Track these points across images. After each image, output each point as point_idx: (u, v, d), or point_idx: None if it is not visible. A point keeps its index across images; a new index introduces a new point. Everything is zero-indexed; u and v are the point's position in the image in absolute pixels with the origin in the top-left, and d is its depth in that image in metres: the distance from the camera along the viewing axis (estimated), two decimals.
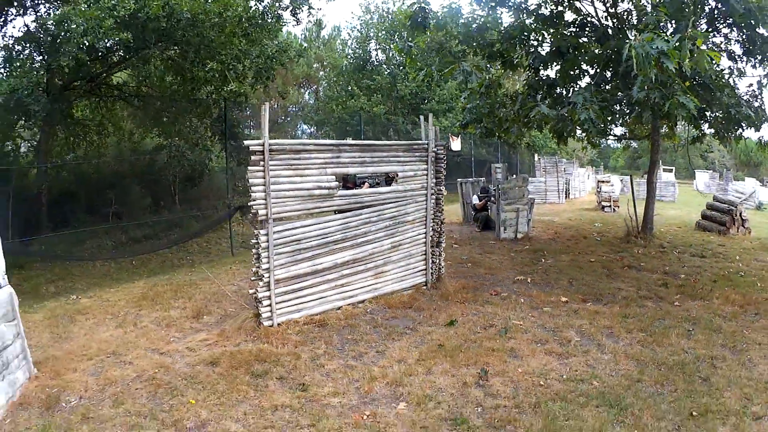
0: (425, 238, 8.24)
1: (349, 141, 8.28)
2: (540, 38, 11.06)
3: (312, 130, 28.34)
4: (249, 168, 6.27)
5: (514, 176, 17.53)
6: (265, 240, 6.36)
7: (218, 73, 12.10)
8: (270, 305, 6.48)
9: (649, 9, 9.96)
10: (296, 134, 29.29)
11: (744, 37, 10.32)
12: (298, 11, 12.79)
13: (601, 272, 9.82)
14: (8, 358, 4.87)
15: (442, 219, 8.37)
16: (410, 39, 11.95)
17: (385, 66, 27.37)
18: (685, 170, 43.43)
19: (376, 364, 5.57)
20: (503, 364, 5.53)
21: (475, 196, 15.57)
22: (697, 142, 12.67)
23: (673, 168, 34.24)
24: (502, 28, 10.86)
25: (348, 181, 8.25)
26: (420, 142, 8.12)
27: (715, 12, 10.09)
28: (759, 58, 10.45)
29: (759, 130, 11.17)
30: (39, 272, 10.66)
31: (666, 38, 6.41)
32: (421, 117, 8.32)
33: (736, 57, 10.94)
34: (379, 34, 27.87)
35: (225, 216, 13.14)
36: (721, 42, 11.02)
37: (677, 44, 6.38)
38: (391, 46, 26.78)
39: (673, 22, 9.31)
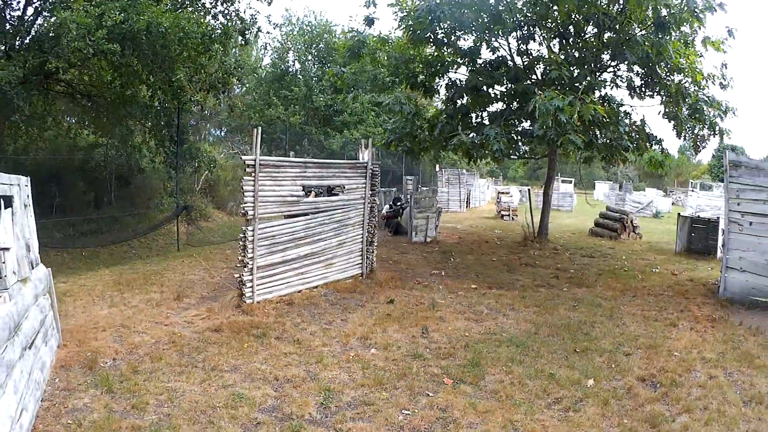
0: (362, 237, 10.98)
1: (312, 159, 10.92)
2: (456, 69, 14.09)
3: (220, 133, 29.96)
4: (244, 178, 8.60)
5: (425, 187, 20.47)
6: (251, 235, 8.67)
7: (179, 83, 13.86)
8: (252, 287, 8.79)
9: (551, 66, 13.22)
10: (205, 138, 30.79)
11: (643, 73, 14.00)
12: (246, 33, 15.29)
13: (501, 268, 12.88)
14: (47, 326, 6.13)
15: (374, 223, 11.15)
16: (343, 65, 14.59)
17: (300, 77, 29.80)
18: (587, 181, 48.89)
19: (344, 327, 8.00)
20: (436, 325, 8.20)
21: (386, 205, 18.31)
22: (587, 162, 16.13)
23: (573, 179, 39.09)
24: (426, 59, 13.75)
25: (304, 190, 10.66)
26: (361, 161, 10.96)
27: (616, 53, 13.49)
28: (657, 89, 14.26)
29: (641, 156, 14.66)
30: None
31: (562, 97, 9.60)
32: (362, 140, 11.37)
33: (636, 88, 14.64)
34: (298, 46, 30.37)
35: (174, 214, 15.30)
36: (624, 75, 14.56)
37: (569, 102, 9.54)
38: (308, 59, 29.18)
39: (575, 70, 12.60)
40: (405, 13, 13.89)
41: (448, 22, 13.39)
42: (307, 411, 5.36)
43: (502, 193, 26.54)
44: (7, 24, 13.48)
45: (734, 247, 10.05)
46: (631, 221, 18.94)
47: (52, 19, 11.77)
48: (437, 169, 30.66)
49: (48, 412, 5.13)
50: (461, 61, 14.76)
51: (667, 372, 6.45)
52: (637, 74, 14.57)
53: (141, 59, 12.71)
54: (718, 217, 16.22)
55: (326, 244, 10.08)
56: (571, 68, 12.68)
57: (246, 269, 8.73)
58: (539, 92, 10.80)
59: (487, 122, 14.84)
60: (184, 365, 6.40)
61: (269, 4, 16.90)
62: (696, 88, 13.94)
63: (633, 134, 14.54)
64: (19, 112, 13.05)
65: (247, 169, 8.58)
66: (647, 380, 6.28)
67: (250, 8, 15.68)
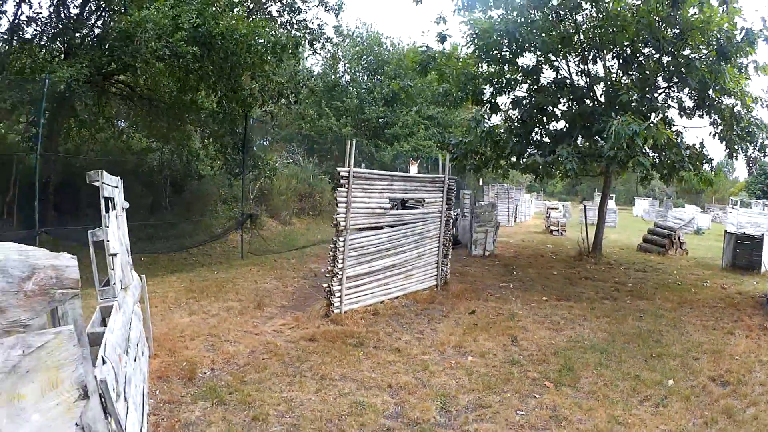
0: (438, 250, 11.67)
1: (398, 173, 11.61)
2: (518, 87, 15.07)
3: (264, 142, 31.00)
4: (338, 189, 9.33)
5: (485, 202, 21.36)
6: (342, 245, 9.35)
7: (250, 91, 14.47)
8: (341, 297, 9.43)
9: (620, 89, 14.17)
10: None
11: (695, 96, 14.78)
12: (315, 43, 16.14)
13: (564, 281, 13.57)
14: (143, 335, 6.11)
15: (450, 236, 11.87)
16: (411, 79, 15.71)
17: (351, 88, 30.63)
18: (624, 197, 49.58)
19: (435, 337, 8.66)
20: (522, 334, 8.89)
21: None
22: (644, 181, 16.96)
23: (614, 195, 39.81)
24: (492, 79, 14.72)
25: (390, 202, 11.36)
26: (439, 176, 11.63)
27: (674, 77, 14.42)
28: (707, 110, 15.04)
29: (697, 175, 15.46)
30: None
31: (638, 122, 10.45)
32: (439, 156, 11.98)
33: (687, 109, 15.38)
34: (349, 57, 31.51)
35: (239, 222, 16.04)
36: (675, 96, 15.38)
37: (646, 128, 10.42)
38: (358, 70, 30.37)
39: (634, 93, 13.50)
40: (476, 31, 14.80)
41: (520, 41, 14.27)
42: (431, 415, 5.90)
43: (552, 208, 27.47)
44: (62, 23, 13.79)
45: None
46: (679, 237, 19.65)
47: (129, 17, 11.74)
48: (480, 183, 31.56)
49: (159, 427, 5.28)
50: (521, 79, 15.78)
51: (732, 372, 7.42)
52: (690, 96, 15.33)
53: (215, 64, 13.04)
54: (762, 234, 16.98)
55: (407, 255, 10.77)
56: (630, 91, 13.53)
57: (335, 279, 9.32)
58: (616, 116, 11.74)
59: (547, 140, 15.76)
60: (292, 375, 6.75)
61: (337, 15, 17.29)
62: (745, 110, 14.72)
63: (693, 156, 15.29)
64: (86, 111, 13.50)
65: (342, 181, 9.26)
66: (716, 380, 7.21)
67: (318, 18, 16.52)
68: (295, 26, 15.86)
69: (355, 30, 32.47)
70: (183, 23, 11.65)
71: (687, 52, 14.12)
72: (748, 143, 14.79)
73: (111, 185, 5.71)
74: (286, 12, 16.05)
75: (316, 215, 24.40)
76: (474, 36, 14.91)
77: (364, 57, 31.55)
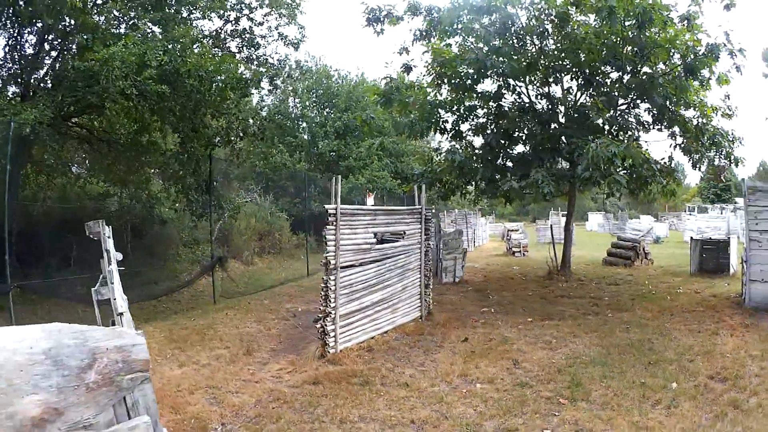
0: (420, 281, 11.88)
1: (380, 207, 11.89)
2: (485, 113, 15.67)
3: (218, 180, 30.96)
4: (326, 226, 9.45)
5: (450, 229, 21.77)
6: (333, 284, 9.39)
7: (221, 129, 14.53)
8: (335, 336, 9.45)
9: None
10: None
11: (656, 111, 15.66)
12: (275, 79, 16.28)
13: (542, 301, 13.97)
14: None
15: (429, 267, 12.10)
16: (371, 111, 16.12)
17: (302, 123, 31.23)
18: (576, 213, 51.17)
19: (438, 368, 8.75)
20: (521, 356, 9.13)
21: None
22: (611, 197, 17.71)
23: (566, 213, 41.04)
24: (453, 106, 15.28)
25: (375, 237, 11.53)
26: (416, 207, 11.91)
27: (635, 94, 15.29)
28: (666, 124, 15.96)
29: (665, 187, 16.29)
30: (22, 314, 11.25)
31: (616, 143, 11.06)
32: (415, 186, 12.21)
33: (644, 124, 16.38)
34: (298, 92, 31.86)
35: (209, 266, 15.75)
36: (633, 112, 16.27)
37: (625, 148, 11.05)
38: (308, 104, 30.62)
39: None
40: (438, 60, 15.47)
41: (484, 68, 14.81)
42: None
43: (512, 230, 28.19)
44: (18, 64, 13.70)
45: (755, 261, 11.77)
46: (644, 248, 20.50)
47: (96, 54, 11.70)
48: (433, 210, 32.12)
49: None
50: (481, 105, 16.43)
51: (727, 369, 8.04)
52: (649, 111, 16.21)
53: (178, 103, 13.00)
54: (729, 237, 17.90)
55: (393, 289, 10.91)
56: (599, 111, 14.27)
57: (328, 319, 9.36)
58: (589, 138, 12.46)
59: (510, 164, 16.32)
60: (310, 422, 6.69)
61: (296, 48, 17.19)
62: (705, 120, 15.66)
63: (663, 170, 16.05)
64: (51, 155, 13.19)
65: (330, 218, 9.42)
66: (715, 377, 7.78)
67: (277, 53, 16.61)
68: (255, 62, 16.01)
69: (304, 63, 32.97)
70: (150, 60, 11.60)
71: (646, 69, 14.99)
72: (714, 153, 15.61)
73: (109, 236, 5.69)
74: (245, 47, 16.30)
75: (277, 253, 24.34)
76: (437, 64, 15.50)
77: (314, 90, 32.05)
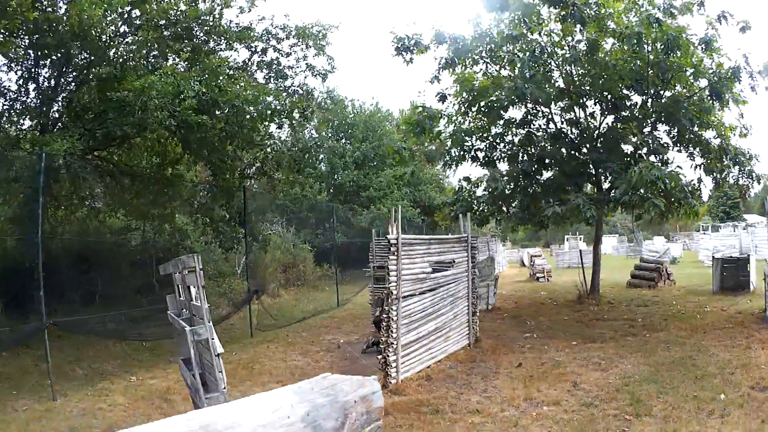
0: (468, 309, 12.59)
1: (433, 236, 12.91)
2: (515, 140, 16.87)
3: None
4: (389, 257, 9.93)
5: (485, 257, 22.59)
6: (395, 314, 9.94)
7: (258, 160, 14.94)
8: (396, 366, 9.98)
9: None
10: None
11: (675, 133, 16.66)
12: (305, 110, 16.44)
13: (579, 325, 14.74)
14: None
15: (477, 294, 12.89)
16: (404, 140, 17.09)
17: (322, 154, 31.63)
18: (586, 235, 51.99)
19: (501, 393, 9.32)
20: (577, 378, 9.84)
21: None
22: (639, 219, 18.56)
23: (582, 236, 41.91)
24: (482, 134, 16.25)
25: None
26: (463, 235, 12.65)
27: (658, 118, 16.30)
28: (685, 145, 16.90)
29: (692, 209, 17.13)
30: (52, 352, 11.05)
31: (658, 167, 12.08)
32: (461, 215, 13.07)
33: (664, 144, 17.18)
34: (314, 122, 32.54)
35: (246, 300, 16.15)
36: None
37: (667, 173, 11.97)
38: (325, 134, 31.61)
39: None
40: (469, 88, 16.53)
41: (522, 95, 15.66)
42: None
43: (535, 256, 29.11)
44: (39, 96, 13.74)
45: None
46: (666, 269, 21.36)
47: (133, 84, 11.69)
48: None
49: None
50: (509, 132, 17.55)
51: (765, 379, 9.01)
52: (668, 133, 17.14)
53: (216, 134, 13.25)
54: (748, 255, 18.75)
55: (445, 317, 11.55)
56: (633, 136, 15.18)
57: (390, 349, 9.86)
58: (630, 162, 13.51)
59: (539, 190, 17.29)
60: None
61: (323, 80, 17.23)
62: (724, 140, 16.54)
63: (693, 191, 16.99)
64: (84, 187, 13.10)
65: (391, 248, 9.92)
66: (755, 387, 8.68)
67: (305, 84, 16.95)
68: (284, 93, 16.17)
69: (319, 95, 33.83)
70: (187, 91, 11.85)
71: (669, 93, 16.03)
72: (739, 172, 16.52)
73: (201, 269, 5.65)
74: (272, 78, 16.50)
75: (302, 285, 24.82)
76: (465, 91, 16.61)
77: (330, 121, 32.61)
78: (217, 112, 13.00)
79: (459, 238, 12.69)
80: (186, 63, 14.19)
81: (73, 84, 14.32)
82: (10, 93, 13.85)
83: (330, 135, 33.85)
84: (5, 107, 13.89)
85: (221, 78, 13.16)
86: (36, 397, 9.68)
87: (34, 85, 13.93)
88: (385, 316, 10.00)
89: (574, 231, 37.18)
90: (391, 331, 9.92)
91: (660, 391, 8.81)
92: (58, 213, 15.02)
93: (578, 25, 15.11)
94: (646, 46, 14.48)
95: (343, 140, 33.45)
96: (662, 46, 14.38)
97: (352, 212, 29.17)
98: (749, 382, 8.87)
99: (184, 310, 7.02)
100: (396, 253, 9.97)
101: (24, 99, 14.02)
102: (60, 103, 14.15)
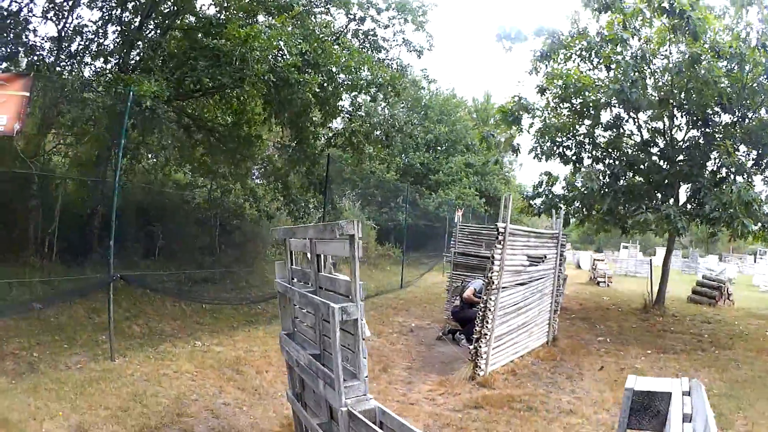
0: (550, 306, 13.32)
1: (532, 229, 13.46)
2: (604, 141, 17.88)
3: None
4: (495, 245, 10.27)
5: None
6: (493, 305, 10.41)
7: (348, 131, 15.24)
8: (486, 358, 10.44)
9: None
10: None
11: (755, 154, 17.20)
12: (398, 85, 16.11)
13: (648, 334, 15.52)
14: None
15: (562, 291, 13.69)
16: (494, 129, 18.04)
17: (413, 129, 31.34)
18: (644, 247, 52.38)
19: (590, 395, 9.82)
20: None
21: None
22: (714, 236, 19.22)
23: (637, 246, 42.33)
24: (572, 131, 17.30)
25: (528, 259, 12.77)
26: (555, 231, 13.42)
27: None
28: (762, 168, 17.34)
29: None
30: (95, 304, 11.18)
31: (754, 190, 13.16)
32: (553, 210, 14.03)
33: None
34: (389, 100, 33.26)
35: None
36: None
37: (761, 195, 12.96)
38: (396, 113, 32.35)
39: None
40: (567, 84, 17.08)
41: (627, 99, 16.16)
42: None
43: (598, 260, 29.64)
44: (122, 35, 13.33)
45: None
46: (727, 289, 22.03)
47: (236, 33, 11.30)
48: None
49: None
50: (601, 134, 18.44)
51: None
52: (747, 154, 17.61)
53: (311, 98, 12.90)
54: None
55: (532, 313, 12.18)
56: (729, 155, 15.82)
57: (483, 340, 10.05)
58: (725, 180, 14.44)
59: (630, 196, 17.84)
60: None
61: (419, 56, 16.97)
62: None
63: None
64: (168, 134, 12.86)
65: (498, 237, 10.15)
66: None
67: (399, 58, 16.91)
68: (381, 65, 15.91)
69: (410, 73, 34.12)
70: (291, 48, 11.92)
71: (755, 116, 16.60)
72: None
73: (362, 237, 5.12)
74: (366, 49, 16.23)
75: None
76: (559, 88, 17.37)
77: (404, 101, 32.61)
78: (316, 75, 12.78)
79: (552, 234, 13.33)
80: (290, 20, 13.57)
81: (158, 30, 13.97)
82: (88, 33, 13.35)
83: (402, 113, 33.59)
84: (80, 47, 13.40)
85: (323, 39, 13.30)
86: (91, 353, 9.24)
87: (113, 28, 13.50)
88: (482, 306, 10.40)
89: (633, 240, 37.50)
90: (487, 322, 10.28)
91: (739, 406, 9.57)
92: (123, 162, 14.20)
93: (682, 37, 15.61)
94: (746, 66, 14.97)
95: (415, 121, 33.14)
96: (764, 70, 14.89)
97: (418, 194, 29.50)
98: None
99: (298, 281, 6.42)
100: (502, 243, 10.28)
101: (102, 41, 13.50)
102: (141, 48, 13.70)
